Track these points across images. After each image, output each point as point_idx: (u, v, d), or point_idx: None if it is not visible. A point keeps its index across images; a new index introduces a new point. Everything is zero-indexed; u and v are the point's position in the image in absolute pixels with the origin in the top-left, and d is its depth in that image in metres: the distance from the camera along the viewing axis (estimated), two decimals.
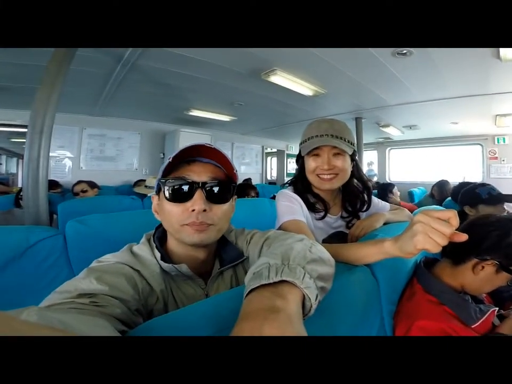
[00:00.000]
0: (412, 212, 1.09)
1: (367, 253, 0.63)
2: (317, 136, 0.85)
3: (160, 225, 0.61)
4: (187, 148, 0.53)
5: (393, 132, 4.42)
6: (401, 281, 0.79)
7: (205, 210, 0.52)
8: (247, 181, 4.25)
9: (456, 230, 0.47)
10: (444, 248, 0.48)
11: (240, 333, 0.29)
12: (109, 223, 1.17)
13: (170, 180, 0.53)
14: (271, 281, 0.35)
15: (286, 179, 1.89)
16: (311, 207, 0.90)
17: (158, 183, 0.57)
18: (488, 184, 1.52)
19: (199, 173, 0.54)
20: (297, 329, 0.30)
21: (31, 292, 0.97)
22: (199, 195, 0.52)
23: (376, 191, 2.55)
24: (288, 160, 6.29)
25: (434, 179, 2.96)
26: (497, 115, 3.34)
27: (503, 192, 1.49)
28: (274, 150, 6.40)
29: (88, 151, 3.78)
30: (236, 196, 0.61)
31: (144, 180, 2.87)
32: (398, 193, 2.76)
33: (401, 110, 3.28)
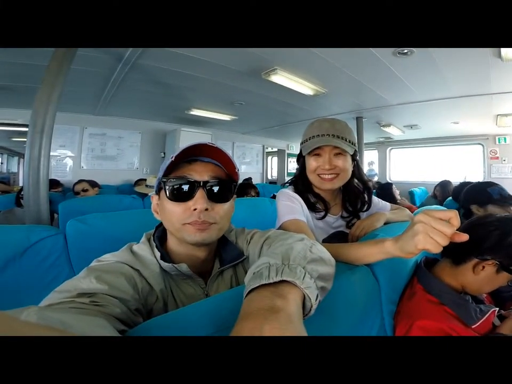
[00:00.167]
0: (412, 213, 1.09)
1: (368, 252, 0.63)
2: (318, 135, 0.85)
3: (160, 224, 0.60)
4: (190, 146, 0.52)
5: (394, 132, 4.42)
6: (401, 281, 0.79)
7: (206, 209, 0.52)
8: (248, 180, 4.25)
9: (457, 230, 0.47)
10: (445, 248, 0.47)
11: (240, 332, 0.29)
12: (109, 222, 1.17)
13: (171, 179, 0.53)
14: (271, 281, 0.35)
15: (287, 178, 1.89)
16: (312, 207, 0.90)
17: (158, 182, 0.57)
18: (497, 184, 1.45)
19: (200, 172, 0.54)
20: (297, 329, 0.30)
21: (32, 291, 0.97)
22: (200, 194, 0.52)
23: (375, 191, 2.55)
24: (289, 159, 6.29)
25: (435, 179, 2.96)
26: (498, 115, 3.33)
27: None
28: (275, 149, 6.40)
29: (89, 150, 3.79)
30: (235, 195, 0.61)
31: (145, 179, 2.87)
32: (398, 191, 2.76)
33: (402, 109, 3.27)
